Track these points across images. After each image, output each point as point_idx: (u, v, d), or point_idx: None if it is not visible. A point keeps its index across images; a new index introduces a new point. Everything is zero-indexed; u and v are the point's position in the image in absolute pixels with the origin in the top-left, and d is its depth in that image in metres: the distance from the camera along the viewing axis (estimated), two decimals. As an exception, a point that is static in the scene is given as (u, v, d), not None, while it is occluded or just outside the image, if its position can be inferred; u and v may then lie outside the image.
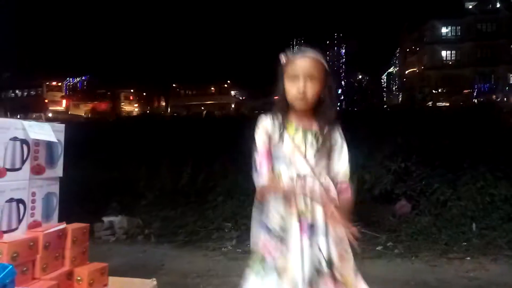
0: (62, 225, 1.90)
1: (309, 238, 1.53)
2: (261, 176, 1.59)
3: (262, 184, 1.58)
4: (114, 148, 6.79)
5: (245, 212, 4.58)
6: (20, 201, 1.78)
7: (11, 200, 1.74)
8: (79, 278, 1.83)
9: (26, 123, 1.85)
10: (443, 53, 42.67)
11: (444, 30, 43.01)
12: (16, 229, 1.75)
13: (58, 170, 2.01)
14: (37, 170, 1.88)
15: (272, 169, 1.60)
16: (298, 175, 1.58)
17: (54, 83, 26.47)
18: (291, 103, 1.63)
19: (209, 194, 5.07)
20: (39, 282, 1.68)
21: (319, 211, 1.56)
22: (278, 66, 1.65)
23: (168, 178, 5.44)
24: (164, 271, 3.34)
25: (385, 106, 10.57)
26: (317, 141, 1.62)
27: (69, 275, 1.83)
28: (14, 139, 1.78)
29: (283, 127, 1.61)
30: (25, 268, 1.67)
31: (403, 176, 4.82)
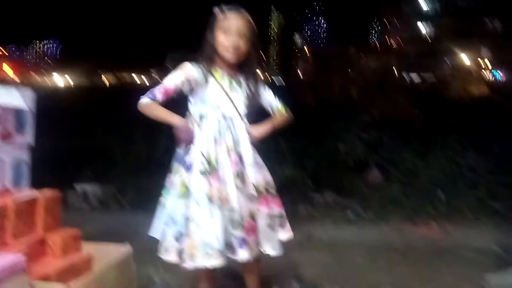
0: (33, 192, 1.88)
1: (239, 170, 1.74)
2: (151, 94, 1.75)
3: (147, 101, 1.75)
4: (87, 115, 6.64)
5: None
6: (-12, 167, 1.75)
7: (-22, 166, 1.70)
8: (51, 244, 1.82)
9: (-8, 87, 1.79)
10: (422, 27, 42.92)
11: (423, 4, 43.11)
12: (-16, 195, 1.72)
13: (28, 137, 1.97)
14: (5, 136, 1.83)
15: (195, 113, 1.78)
16: (224, 117, 1.75)
17: None
18: (220, 54, 1.77)
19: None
20: (11, 248, 1.67)
21: (245, 145, 1.77)
22: (210, 18, 1.78)
23: (143, 147, 5.39)
24: (140, 238, 3.36)
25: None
26: (241, 88, 1.81)
27: (41, 241, 1.82)
28: (-20, 103, 1.72)
29: (209, 72, 1.77)
30: (-5, 235, 1.66)
31: (376, 147, 4.94)
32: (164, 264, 2.37)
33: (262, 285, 1.99)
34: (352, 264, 2.89)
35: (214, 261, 1.67)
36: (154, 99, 1.75)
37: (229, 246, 1.69)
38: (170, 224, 1.73)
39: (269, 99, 1.92)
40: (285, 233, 1.84)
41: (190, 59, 1.83)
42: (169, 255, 1.72)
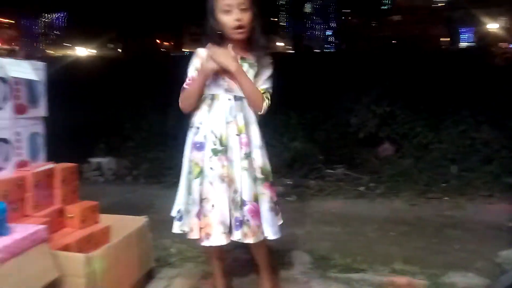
0: (50, 165, 1.91)
1: (248, 152, 1.74)
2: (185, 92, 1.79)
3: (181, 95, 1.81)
4: (99, 88, 6.65)
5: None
6: (4, 140, 1.77)
7: (-5, 140, 1.73)
8: (70, 215, 1.87)
9: (4, 60, 1.79)
10: (436, -6, 41.59)
11: (439, -30, 41.66)
12: (2, 168, 1.76)
13: (41, 110, 1.98)
14: (19, 110, 1.85)
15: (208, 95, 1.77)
16: (236, 98, 1.75)
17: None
18: (228, 35, 1.72)
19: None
20: (32, 219, 1.72)
21: (254, 127, 1.78)
22: (207, 2, 1.72)
23: (155, 120, 5.41)
24: (155, 209, 3.42)
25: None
26: (252, 68, 1.76)
27: (60, 212, 1.87)
28: (-7, 77, 1.73)
29: None
30: (15, 206, 1.70)
31: (388, 120, 4.89)
32: (180, 235, 2.43)
33: (273, 259, 2.02)
34: (363, 237, 2.91)
35: (226, 240, 1.72)
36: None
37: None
38: (192, 204, 1.76)
39: (258, 79, 1.79)
40: (279, 220, 1.87)
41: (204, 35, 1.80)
42: (194, 234, 1.76)
